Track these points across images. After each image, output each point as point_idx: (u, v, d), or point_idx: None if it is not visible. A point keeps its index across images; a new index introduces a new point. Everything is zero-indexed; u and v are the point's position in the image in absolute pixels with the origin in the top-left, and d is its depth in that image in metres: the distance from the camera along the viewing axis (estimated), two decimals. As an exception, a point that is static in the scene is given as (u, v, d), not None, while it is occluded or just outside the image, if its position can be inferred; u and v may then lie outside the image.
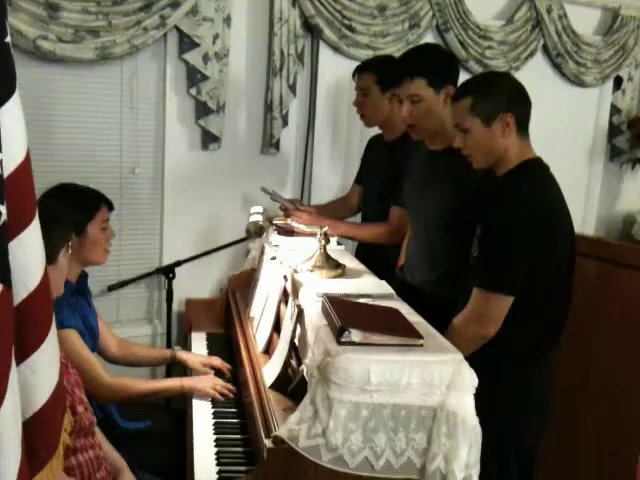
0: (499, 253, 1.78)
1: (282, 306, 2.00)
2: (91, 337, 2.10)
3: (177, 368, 2.48)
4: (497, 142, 1.83)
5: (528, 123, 1.87)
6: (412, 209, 2.29)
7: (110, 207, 2.14)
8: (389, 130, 2.67)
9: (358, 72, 2.69)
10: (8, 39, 1.01)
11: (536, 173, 1.84)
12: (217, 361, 2.30)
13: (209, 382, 2.12)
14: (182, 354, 2.37)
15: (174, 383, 2.14)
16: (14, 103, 1.02)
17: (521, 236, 1.75)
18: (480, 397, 1.41)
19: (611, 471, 2.41)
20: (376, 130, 2.83)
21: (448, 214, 2.05)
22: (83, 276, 2.12)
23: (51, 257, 1.49)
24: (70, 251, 1.66)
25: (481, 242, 1.84)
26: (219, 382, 2.13)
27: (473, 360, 1.44)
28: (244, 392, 1.98)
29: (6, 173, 1.00)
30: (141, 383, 2.11)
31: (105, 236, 2.09)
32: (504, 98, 1.82)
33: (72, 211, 1.91)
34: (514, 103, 1.83)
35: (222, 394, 2.08)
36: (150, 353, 2.46)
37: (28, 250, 1.05)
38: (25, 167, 1.05)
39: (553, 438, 2.11)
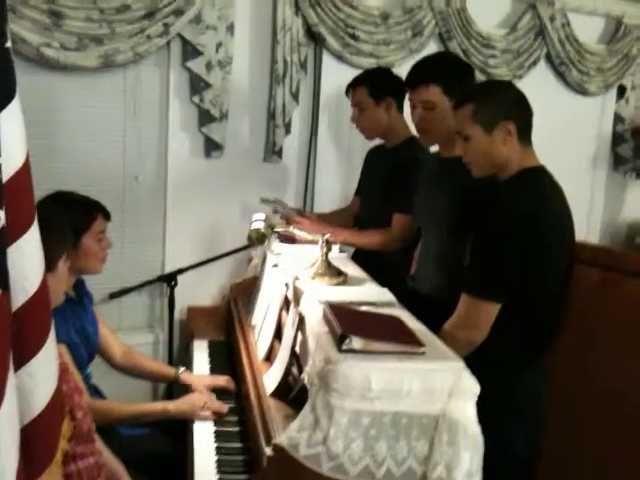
0: (487, 259, 1.77)
1: (283, 313, 1.99)
2: (87, 346, 2.06)
3: (178, 386, 2.38)
4: (498, 150, 1.82)
5: (530, 131, 1.86)
6: (423, 217, 2.25)
7: (107, 217, 2.09)
8: (391, 138, 2.67)
9: (350, 89, 2.70)
10: (9, 44, 1.02)
11: (533, 180, 1.82)
12: (222, 381, 2.23)
13: (198, 402, 2.03)
14: (186, 376, 2.29)
15: (157, 407, 2.07)
16: (14, 108, 1.03)
17: (510, 242, 1.73)
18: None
19: (610, 475, 2.40)
20: (376, 141, 2.83)
21: (460, 221, 2.03)
22: (80, 283, 2.10)
23: (50, 265, 1.46)
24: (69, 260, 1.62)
25: (471, 248, 1.82)
26: (208, 399, 2.05)
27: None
28: (245, 400, 1.97)
29: (5, 177, 1.00)
30: (121, 408, 2.02)
31: (100, 246, 2.05)
32: (505, 106, 1.82)
33: (67, 220, 1.80)
34: (515, 111, 1.82)
35: (215, 412, 2.02)
36: (154, 368, 2.37)
37: (27, 255, 1.05)
38: (24, 172, 1.05)
39: (552, 442, 2.09)
